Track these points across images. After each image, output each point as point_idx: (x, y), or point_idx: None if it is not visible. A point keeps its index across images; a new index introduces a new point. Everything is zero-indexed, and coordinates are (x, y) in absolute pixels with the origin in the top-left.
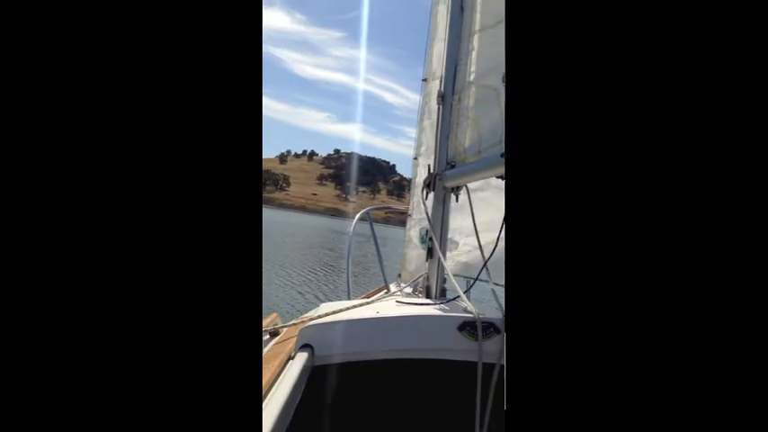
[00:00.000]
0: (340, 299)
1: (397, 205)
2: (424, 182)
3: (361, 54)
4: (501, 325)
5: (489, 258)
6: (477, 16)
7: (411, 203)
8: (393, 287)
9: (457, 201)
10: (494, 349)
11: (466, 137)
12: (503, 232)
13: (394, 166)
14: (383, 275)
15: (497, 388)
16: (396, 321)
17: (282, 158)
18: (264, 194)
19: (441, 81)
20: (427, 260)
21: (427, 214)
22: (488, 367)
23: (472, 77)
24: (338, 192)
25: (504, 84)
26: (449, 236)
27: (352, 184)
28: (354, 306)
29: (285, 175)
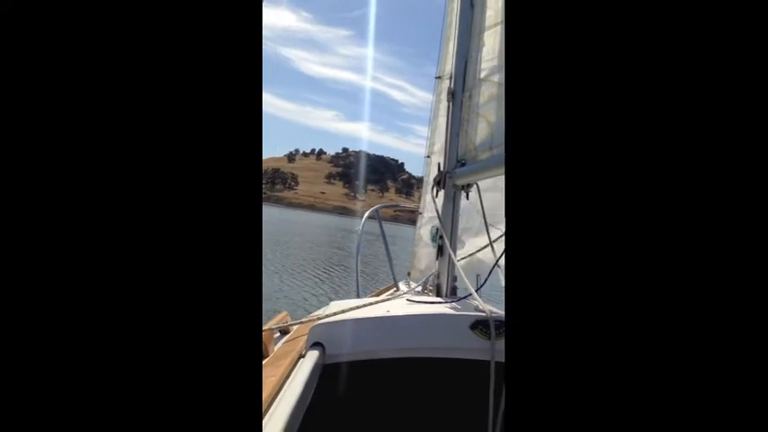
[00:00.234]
0: (349, 298)
1: (405, 203)
2: (434, 179)
3: (369, 52)
4: None
5: (501, 256)
6: (488, 12)
7: (422, 201)
8: (402, 286)
9: (467, 198)
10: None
11: (476, 134)
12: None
13: (403, 164)
14: (392, 274)
15: None
16: (407, 320)
17: (291, 157)
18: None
19: (451, 78)
20: (437, 258)
21: (437, 212)
22: (501, 366)
23: (483, 74)
24: (347, 190)
25: None
26: (459, 234)
27: (360, 182)
28: (364, 305)
29: (293, 174)
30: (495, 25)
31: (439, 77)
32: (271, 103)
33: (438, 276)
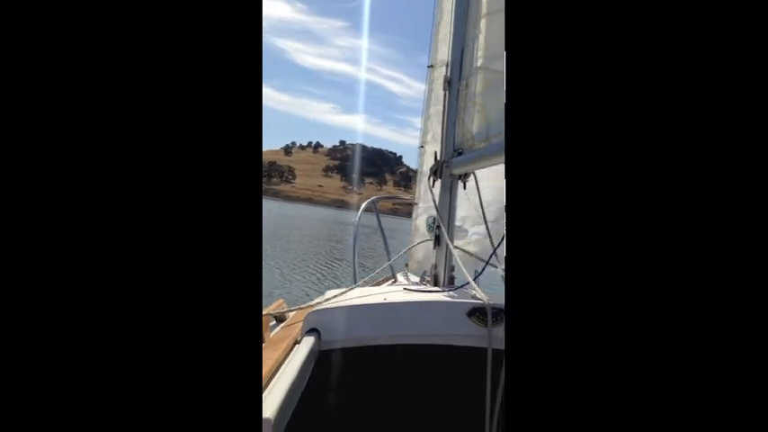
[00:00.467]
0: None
1: (404, 196)
2: (431, 169)
3: (363, 43)
4: None
5: (499, 245)
6: (484, 0)
7: (417, 192)
8: (401, 278)
9: (465, 188)
10: (503, 335)
11: (473, 123)
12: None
13: (401, 157)
14: (390, 265)
15: None
16: (403, 307)
17: (287, 150)
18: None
19: (447, 66)
20: (435, 248)
21: (434, 202)
22: (498, 353)
23: (479, 63)
24: (344, 183)
25: None
26: (457, 224)
27: (358, 175)
28: (362, 294)
29: (290, 167)
30: (492, 13)
31: (431, 66)
32: (266, 95)
33: (435, 266)
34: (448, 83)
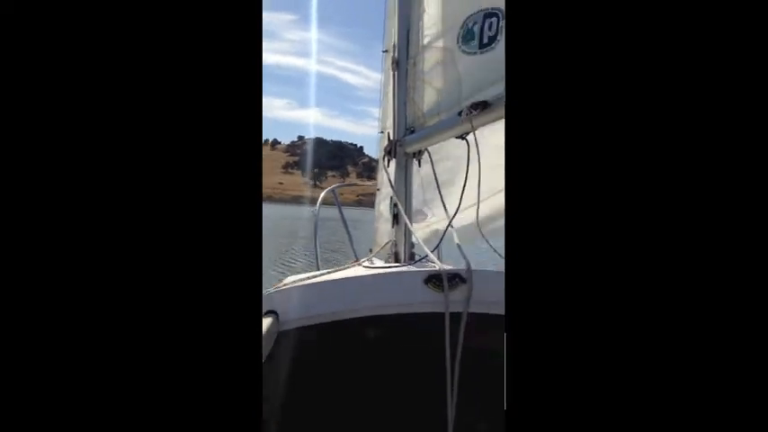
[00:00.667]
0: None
1: (363, 183)
2: (385, 149)
3: (312, 34)
4: (465, 275)
5: (453, 217)
6: None
7: (379, 177)
8: (365, 263)
9: (419, 166)
10: (460, 298)
11: (424, 101)
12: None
13: (362, 148)
14: (353, 250)
15: (465, 336)
16: (359, 281)
17: None
18: None
19: (394, 47)
20: (393, 227)
21: (390, 181)
22: (456, 317)
23: (426, 41)
24: (305, 179)
25: (458, 45)
26: (420, 208)
27: (314, 169)
28: (321, 274)
29: None
30: None
31: (386, 51)
32: None
33: (395, 244)
34: (396, 63)
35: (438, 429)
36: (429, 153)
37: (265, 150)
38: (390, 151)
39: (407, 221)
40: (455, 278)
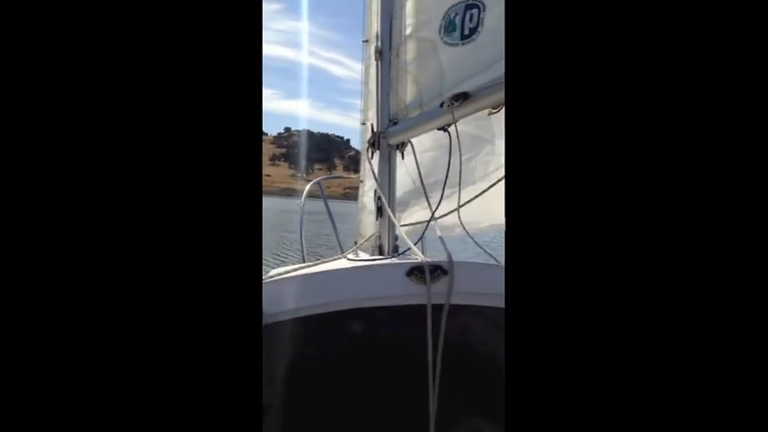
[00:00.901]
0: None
1: (348, 176)
2: (368, 141)
3: (303, 25)
4: (447, 266)
5: (435, 210)
6: None
7: (362, 170)
8: (350, 256)
9: (402, 158)
10: (442, 290)
11: (407, 92)
12: (446, 188)
13: (348, 140)
14: (338, 242)
15: (447, 327)
16: (341, 274)
17: None
18: None
19: (377, 37)
20: (377, 219)
21: (373, 173)
22: (438, 308)
23: (408, 31)
24: (292, 171)
25: (440, 36)
26: (407, 199)
27: (305, 161)
28: (304, 267)
29: None
30: None
31: (366, 41)
32: None
33: (379, 237)
34: (379, 53)
35: (420, 420)
36: (412, 144)
37: None
38: (374, 143)
39: (391, 214)
40: (437, 270)
